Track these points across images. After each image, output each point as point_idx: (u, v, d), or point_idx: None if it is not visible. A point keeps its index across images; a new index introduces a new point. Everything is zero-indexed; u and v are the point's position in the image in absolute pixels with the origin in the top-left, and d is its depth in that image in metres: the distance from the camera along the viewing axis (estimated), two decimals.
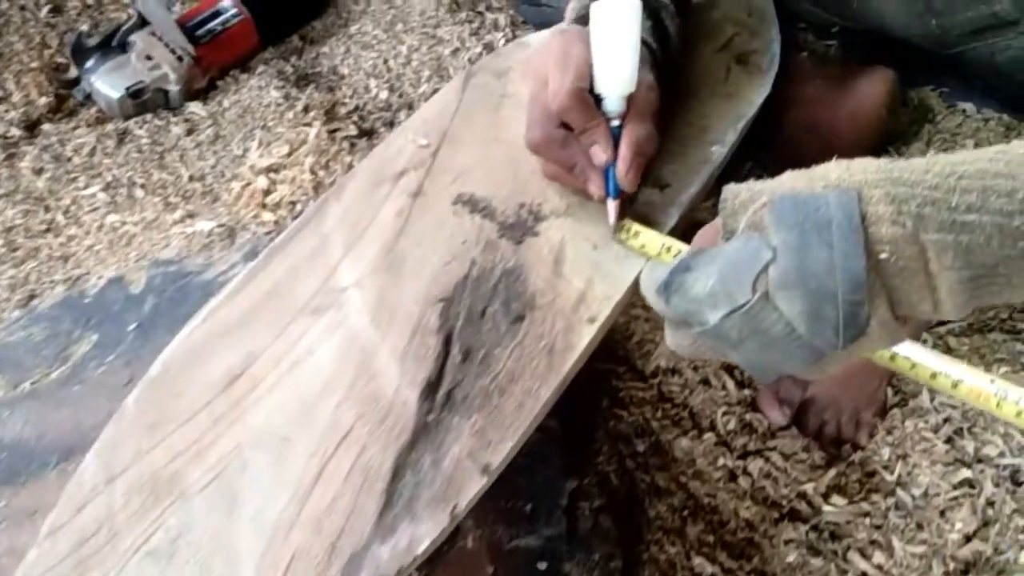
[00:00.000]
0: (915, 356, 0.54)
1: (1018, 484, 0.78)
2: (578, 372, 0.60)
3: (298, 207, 0.93)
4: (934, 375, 0.53)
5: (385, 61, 1.14)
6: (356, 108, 1.08)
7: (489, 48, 1.14)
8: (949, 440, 0.80)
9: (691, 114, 0.76)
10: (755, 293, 0.42)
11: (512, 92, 0.78)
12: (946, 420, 0.81)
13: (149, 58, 1.04)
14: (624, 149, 0.61)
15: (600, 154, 0.61)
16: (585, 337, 0.58)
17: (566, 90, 0.59)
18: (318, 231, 0.62)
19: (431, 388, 0.53)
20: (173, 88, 1.05)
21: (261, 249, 0.81)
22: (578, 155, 0.62)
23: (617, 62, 0.59)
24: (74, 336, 0.74)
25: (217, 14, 1.08)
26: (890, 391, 0.85)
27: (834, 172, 0.43)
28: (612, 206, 0.62)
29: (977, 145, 0.99)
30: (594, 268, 0.63)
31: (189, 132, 1.04)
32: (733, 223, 0.45)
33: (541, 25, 1.15)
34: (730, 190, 0.46)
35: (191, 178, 0.99)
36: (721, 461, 0.77)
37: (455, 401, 0.53)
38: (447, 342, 0.56)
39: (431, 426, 0.51)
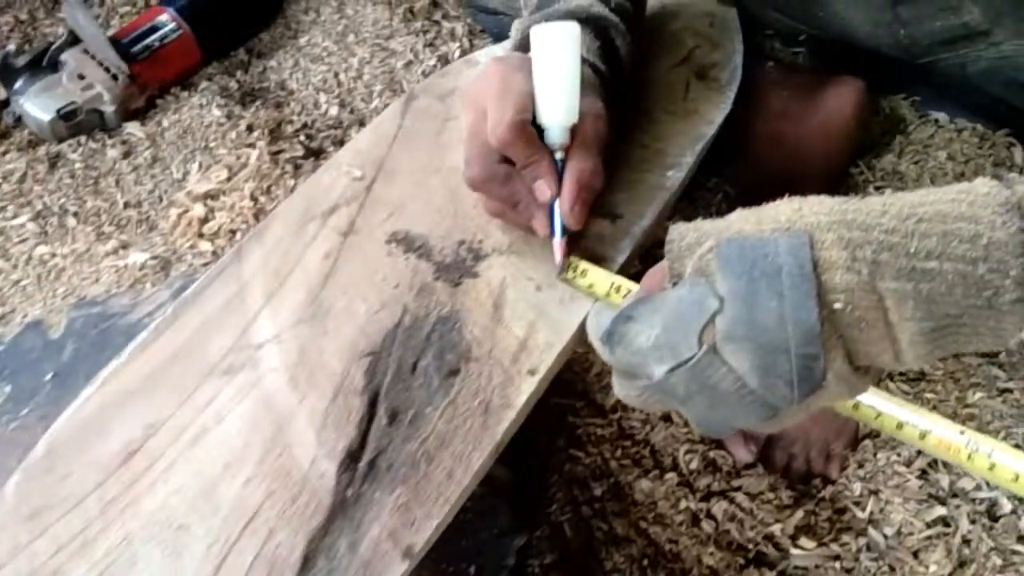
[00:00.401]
0: (880, 406, 0.50)
1: (995, 519, 0.75)
2: (533, 410, 0.56)
3: (238, 236, 0.88)
4: (900, 425, 0.50)
5: (335, 75, 1.09)
6: (304, 125, 1.03)
7: (444, 60, 1.09)
8: (923, 474, 0.77)
9: (646, 136, 0.72)
10: (701, 347, 0.39)
11: (456, 115, 0.73)
12: (919, 452, 0.78)
13: (81, 77, 0.98)
14: (568, 184, 0.57)
15: (544, 190, 0.56)
16: (524, 392, 0.54)
17: (506, 123, 0.54)
18: (236, 278, 0.57)
19: (352, 458, 0.49)
20: (108, 108, 0.99)
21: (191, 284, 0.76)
22: (521, 191, 0.58)
23: (558, 90, 0.55)
24: None
25: (154, 29, 1.03)
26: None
27: (784, 213, 0.40)
28: (558, 245, 0.58)
29: (951, 157, 0.96)
30: (537, 313, 0.58)
31: (126, 155, 0.99)
32: (679, 267, 0.42)
33: (499, 35, 1.10)
34: (676, 231, 0.43)
35: (127, 205, 0.94)
36: (684, 504, 0.73)
37: (378, 471, 0.49)
38: (372, 403, 0.52)
39: (349, 503, 0.46)
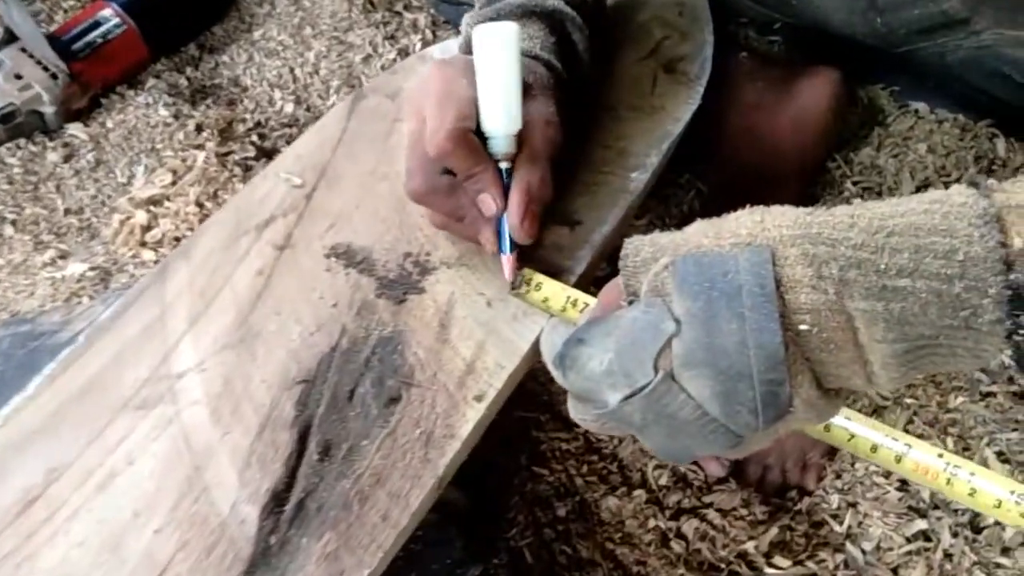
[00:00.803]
0: (853, 428, 0.47)
1: (978, 531, 0.71)
2: (491, 426, 0.52)
3: (183, 243, 0.83)
4: (875, 448, 0.46)
5: (291, 70, 1.04)
6: (257, 124, 0.98)
7: (405, 54, 1.04)
8: (903, 485, 0.73)
9: (608, 135, 0.67)
10: (657, 373, 0.36)
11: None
12: (898, 459, 0.74)
13: (19, 77, 0.93)
14: (514, 196, 0.52)
15: (489, 204, 0.52)
16: (470, 420, 0.50)
17: (446, 131, 0.50)
18: (158, 300, 0.53)
19: (277, 500, 0.45)
20: (48, 110, 0.94)
21: None
22: (466, 204, 0.54)
23: (499, 96, 0.51)
24: None
25: (97, 25, 0.97)
26: None
27: (745, 226, 0.37)
28: (506, 262, 0.54)
29: (931, 150, 0.92)
30: (486, 331, 0.54)
31: (67, 159, 0.94)
32: (635, 284, 0.39)
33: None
34: (631, 245, 0.40)
35: (67, 211, 0.89)
36: (653, 522, 0.69)
37: (307, 514, 0.44)
38: (303, 436, 0.48)
39: (273, 551, 0.42)
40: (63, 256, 0.84)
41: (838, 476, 0.75)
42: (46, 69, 0.93)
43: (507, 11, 0.60)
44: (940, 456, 0.43)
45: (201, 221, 0.84)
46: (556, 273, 0.57)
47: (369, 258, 0.58)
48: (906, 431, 0.77)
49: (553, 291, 0.53)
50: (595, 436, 0.74)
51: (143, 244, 0.83)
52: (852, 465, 0.75)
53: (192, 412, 0.47)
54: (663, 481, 0.71)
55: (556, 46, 0.61)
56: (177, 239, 0.83)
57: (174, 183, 0.86)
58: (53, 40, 0.95)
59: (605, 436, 0.74)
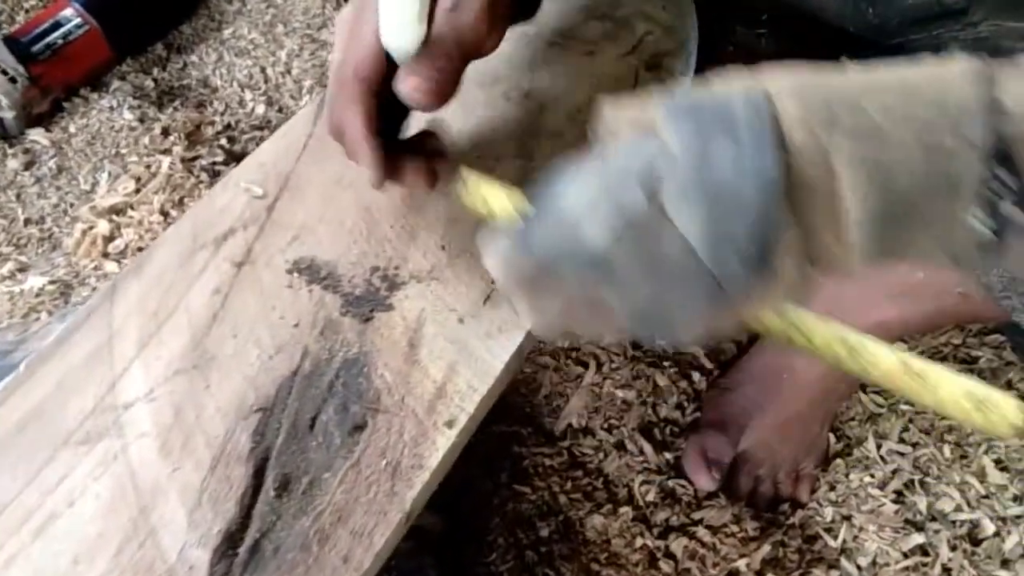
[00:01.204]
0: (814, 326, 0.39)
1: (977, 543, 0.69)
2: (471, 442, 0.49)
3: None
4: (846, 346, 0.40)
5: (262, 70, 1.00)
6: (227, 127, 0.94)
7: None
8: (899, 496, 0.71)
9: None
10: (649, 202, 0.33)
11: None
12: (895, 472, 0.72)
13: None
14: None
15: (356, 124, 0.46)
16: (440, 448, 0.46)
17: (355, 58, 0.46)
18: (106, 323, 0.50)
19: (230, 542, 0.41)
20: (7, 115, 0.90)
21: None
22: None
23: (391, 13, 0.45)
24: None
25: (57, 25, 0.93)
26: (832, 437, 0.75)
27: (739, 81, 0.35)
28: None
29: None
30: (458, 350, 0.51)
31: (28, 166, 0.90)
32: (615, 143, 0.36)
33: None
34: (612, 108, 0.36)
35: (27, 221, 0.85)
36: (640, 541, 0.67)
37: (262, 557, 0.41)
38: (260, 471, 0.44)
39: None
40: (22, 269, 0.80)
41: (832, 488, 0.72)
42: (4, 73, 0.89)
43: None
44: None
45: (166, 230, 0.80)
46: None
47: (334, 273, 0.54)
48: (901, 440, 0.74)
49: (493, 191, 0.47)
50: (579, 450, 0.71)
51: (105, 255, 0.79)
52: (846, 476, 0.72)
53: (139, 446, 0.44)
54: (651, 497, 0.68)
55: None
56: (140, 249, 0.79)
57: (138, 190, 0.82)
58: (11, 42, 0.91)
59: (590, 449, 0.71)
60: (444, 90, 0.46)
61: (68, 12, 0.94)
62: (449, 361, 0.50)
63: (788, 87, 0.33)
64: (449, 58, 0.46)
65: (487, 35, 0.47)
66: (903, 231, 0.34)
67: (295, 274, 0.54)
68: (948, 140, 0.32)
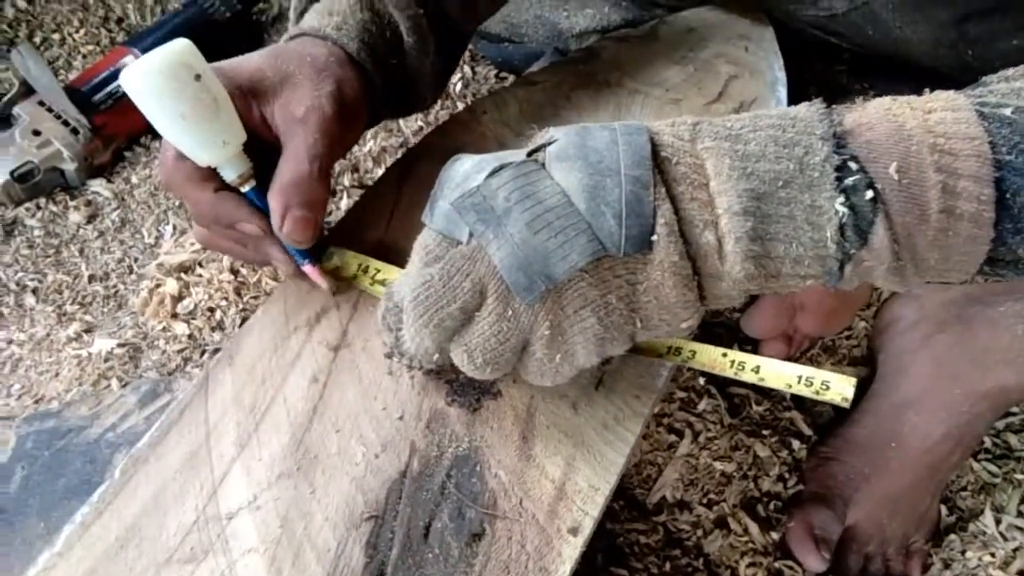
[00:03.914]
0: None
1: None
2: None
3: (216, 315, 0.77)
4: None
5: None
6: None
7: (444, 95, 0.98)
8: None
9: None
10: (528, 157, 0.39)
11: None
12: (1016, 550, 0.67)
13: (37, 133, 0.87)
14: (271, 203, 0.48)
15: (247, 228, 0.49)
16: (567, 559, 0.43)
17: (162, 179, 0.50)
18: (201, 420, 0.46)
19: None
20: (69, 166, 0.88)
21: (163, 388, 0.65)
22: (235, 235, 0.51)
23: (185, 131, 0.45)
24: None
25: (119, 74, 0.91)
26: (944, 508, 0.70)
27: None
28: (312, 273, 0.51)
29: None
30: (575, 443, 0.47)
31: (91, 219, 0.88)
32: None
33: (502, 64, 0.98)
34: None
35: (92, 278, 0.83)
36: None
37: None
38: None
39: None
40: (88, 330, 0.78)
41: (946, 566, 0.67)
42: (66, 123, 0.88)
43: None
44: (724, 355, 0.47)
45: (236, 290, 0.77)
46: (645, 364, 0.50)
47: None
48: (1020, 513, 0.69)
49: (346, 261, 0.54)
50: (676, 525, 0.67)
51: (174, 316, 0.76)
52: (962, 554, 0.67)
53: (247, 563, 0.41)
54: None
55: (366, 24, 0.55)
56: (211, 310, 0.77)
57: (205, 247, 0.80)
58: (72, 92, 0.89)
59: (687, 525, 0.67)
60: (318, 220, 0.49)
61: (129, 59, 0.93)
62: (566, 456, 0.46)
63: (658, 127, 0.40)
64: (300, 179, 0.48)
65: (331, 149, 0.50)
66: (770, 222, 0.37)
67: (395, 359, 0.51)
68: (794, 134, 0.38)
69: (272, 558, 0.41)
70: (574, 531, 0.44)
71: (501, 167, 0.39)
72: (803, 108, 0.39)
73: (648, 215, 0.37)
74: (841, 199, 0.37)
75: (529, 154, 0.40)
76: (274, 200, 0.48)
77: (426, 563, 0.42)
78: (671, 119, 0.40)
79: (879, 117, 0.38)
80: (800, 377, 0.45)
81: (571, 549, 0.43)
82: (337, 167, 0.90)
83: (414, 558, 0.42)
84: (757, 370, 0.46)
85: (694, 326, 0.41)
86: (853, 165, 0.37)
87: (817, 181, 0.37)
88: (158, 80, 0.43)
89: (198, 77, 0.44)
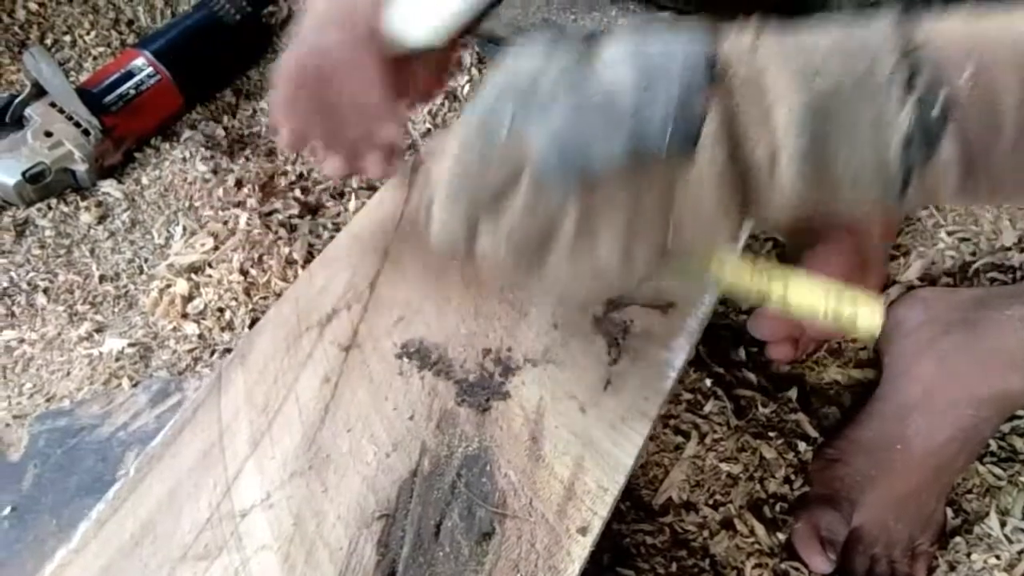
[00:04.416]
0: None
1: None
2: None
3: (226, 315, 0.77)
4: None
5: None
6: (300, 176, 0.92)
7: (452, 96, 0.98)
8: None
9: None
10: (581, 55, 0.38)
11: None
12: (1021, 553, 0.67)
13: (49, 134, 0.88)
14: None
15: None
16: (576, 559, 0.43)
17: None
18: (214, 419, 0.47)
19: None
20: (80, 167, 0.89)
21: (173, 387, 0.66)
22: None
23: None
24: None
25: (129, 75, 0.92)
26: (949, 511, 0.70)
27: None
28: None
29: None
30: (584, 444, 0.48)
31: (101, 219, 0.88)
32: None
33: None
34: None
35: (103, 278, 0.83)
36: None
37: None
38: None
39: None
40: (99, 329, 0.78)
41: (952, 568, 0.68)
42: (78, 125, 0.88)
43: None
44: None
45: (246, 290, 0.78)
46: (651, 363, 0.51)
47: (445, 357, 0.51)
48: None
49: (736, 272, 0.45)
50: (681, 526, 0.68)
51: (184, 316, 0.77)
52: (968, 556, 0.68)
53: (260, 560, 0.41)
54: None
55: None
56: (221, 310, 0.77)
57: (216, 248, 0.80)
58: (84, 93, 0.90)
59: (693, 527, 0.68)
60: None
61: (140, 62, 0.93)
62: (575, 456, 0.47)
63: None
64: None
65: None
66: (829, 140, 0.35)
67: (404, 359, 0.51)
68: (863, 46, 0.35)
69: (285, 555, 0.42)
70: (583, 531, 0.44)
71: (552, 60, 0.38)
72: (873, 25, 0.37)
73: (696, 120, 0.35)
74: (907, 111, 0.35)
75: (584, 41, 0.39)
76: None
77: (437, 561, 0.43)
78: (738, 24, 0.38)
79: (956, 26, 0.36)
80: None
81: (580, 548, 0.43)
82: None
83: (425, 556, 0.43)
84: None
85: (731, 244, 0.39)
86: (924, 76, 0.35)
87: (883, 93, 0.35)
88: None
89: None
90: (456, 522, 0.44)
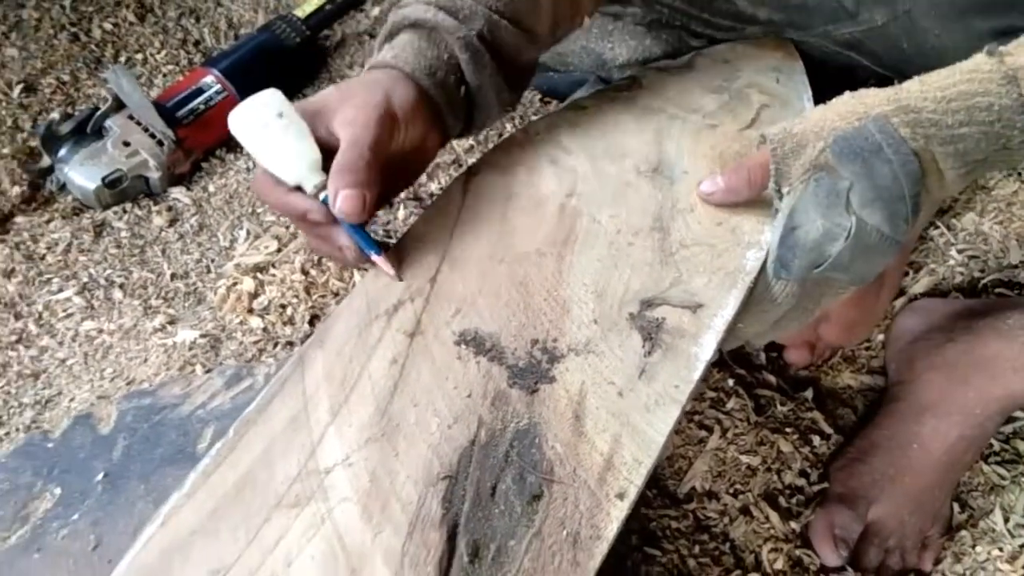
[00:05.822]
0: None
1: None
2: None
3: (288, 311, 0.84)
4: None
5: None
6: None
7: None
8: None
9: (718, 211, 0.67)
10: (851, 217, 0.52)
11: (519, 192, 0.70)
12: (1023, 546, 0.72)
13: (127, 144, 0.96)
14: (328, 187, 0.57)
15: (314, 214, 0.58)
16: (615, 519, 0.49)
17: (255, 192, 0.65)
18: (300, 392, 0.54)
19: None
20: (154, 175, 0.97)
21: (245, 372, 0.73)
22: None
23: (277, 156, 0.58)
24: (35, 490, 0.66)
25: (199, 92, 1.01)
26: (956, 506, 0.75)
27: (855, 107, 0.54)
28: (379, 262, 0.60)
29: None
30: (621, 423, 0.54)
31: (172, 222, 0.96)
32: (786, 167, 0.56)
33: (548, 91, 1.06)
34: (776, 138, 0.56)
35: (174, 276, 0.91)
36: None
37: None
38: (452, 536, 0.48)
39: None
40: (172, 321, 0.86)
41: (957, 559, 0.73)
42: (153, 136, 0.97)
43: (397, 28, 0.65)
44: None
45: (306, 289, 0.85)
46: (683, 357, 0.57)
47: (497, 345, 0.58)
48: None
49: None
50: (704, 513, 0.73)
51: (250, 311, 0.84)
52: (973, 547, 0.73)
53: (343, 510, 0.48)
54: (779, 565, 0.70)
55: (423, 50, 0.63)
56: (283, 306, 0.84)
57: (279, 250, 0.88)
58: (158, 107, 0.98)
59: (714, 513, 0.73)
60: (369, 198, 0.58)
61: (209, 79, 1.02)
62: (614, 433, 0.53)
63: (894, 112, 0.52)
64: (352, 161, 0.57)
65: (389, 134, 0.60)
66: (979, 174, 0.55)
67: (462, 345, 0.58)
68: (1000, 128, 0.51)
69: (364, 507, 0.48)
70: (621, 496, 0.50)
71: (845, 239, 0.52)
72: (1003, 97, 0.50)
73: (920, 207, 0.53)
74: None
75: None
76: (329, 184, 0.57)
77: (493, 516, 0.49)
78: (909, 123, 0.52)
79: None
80: None
81: (618, 511, 0.49)
82: None
83: (483, 512, 0.49)
84: None
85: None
86: None
87: (1014, 154, 0.52)
88: (248, 116, 0.60)
89: (280, 115, 0.59)
90: (509, 485, 0.50)
